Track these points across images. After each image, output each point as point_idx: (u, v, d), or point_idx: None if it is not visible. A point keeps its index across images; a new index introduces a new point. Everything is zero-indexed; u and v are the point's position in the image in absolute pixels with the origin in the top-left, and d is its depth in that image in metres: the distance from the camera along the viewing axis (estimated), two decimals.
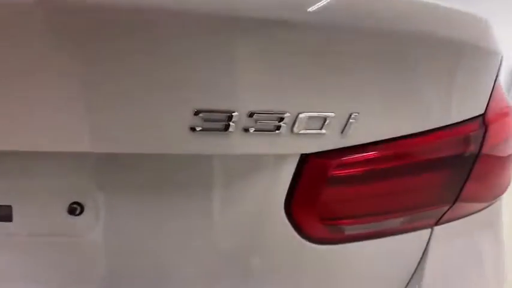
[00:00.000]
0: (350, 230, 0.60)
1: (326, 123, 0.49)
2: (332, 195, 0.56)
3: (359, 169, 0.55)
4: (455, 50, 0.52)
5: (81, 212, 0.54)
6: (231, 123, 0.46)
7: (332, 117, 0.49)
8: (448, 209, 0.65)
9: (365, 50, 0.47)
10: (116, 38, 0.40)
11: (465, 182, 0.63)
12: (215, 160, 0.53)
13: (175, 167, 0.54)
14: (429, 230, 0.66)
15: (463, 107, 0.59)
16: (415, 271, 0.67)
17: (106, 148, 0.46)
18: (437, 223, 0.66)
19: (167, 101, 0.44)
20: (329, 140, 0.51)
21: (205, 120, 0.45)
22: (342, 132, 0.50)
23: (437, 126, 0.57)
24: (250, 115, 0.46)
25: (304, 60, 0.45)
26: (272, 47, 0.44)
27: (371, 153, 0.55)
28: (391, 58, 0.49)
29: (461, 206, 0.66)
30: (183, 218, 0.56)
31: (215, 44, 0.42)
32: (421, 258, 0.67)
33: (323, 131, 0.49)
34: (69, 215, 0.54)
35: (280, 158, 0.53)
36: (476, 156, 0.62)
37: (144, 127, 0.44)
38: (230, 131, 0.46)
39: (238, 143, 0.48)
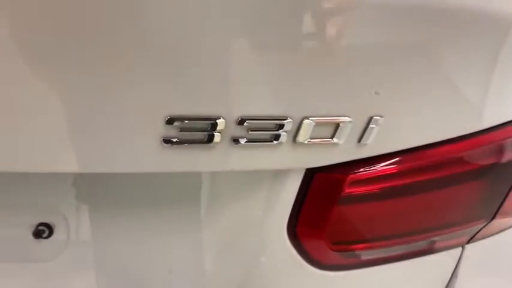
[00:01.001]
0: (368, 254, 0.54)
1: (339, 130, 0.41)
2: (346, 217, 0.49)
3: (380, 185, 0.48)
4: (502, 28, 0.42)
5: (50, 234, 0.51)
6: (215, 132, 0.38)
7: (347, 122, 0.40)
8: (485, 225, 0.60)
9: (388, 35, 0.38)
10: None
11: (507, 195, 0.57)
12: (202, 176, 0.49)
13: (154, 183, 0.50)
14: (460, 248, 0.61)
15: (506, 106, 0.50)
16: None
17: (65, 168, 0.38)
18: (470, 241, 0.61)
19: (130, 108, 0.35)
20: (342, 151, 0.43)
21: (182, 130, 0.37)
22: (359, 141, 0.42)
23: (475, 131, 0.48)
24: (240, 122, 0.38)
25: (309, 49, 0.36)
26: (265, 29, 0.34)
27: (395, 166, 0.47)
28: (422, 45, 0.39)
29: (500, 221, 0.61)
30: (164, 243, 0.52)
31: (189, 27, 0.33)
32: (449, 280, 0.63)
33: (335, 140, 0.41)
34: (35, 239, 0.50)
35: (281, 173, 0.46)
36: None
37: (106, 142, 0.37)
38: (215, 142, 0.38)
39: (226, 158, 0.40)
